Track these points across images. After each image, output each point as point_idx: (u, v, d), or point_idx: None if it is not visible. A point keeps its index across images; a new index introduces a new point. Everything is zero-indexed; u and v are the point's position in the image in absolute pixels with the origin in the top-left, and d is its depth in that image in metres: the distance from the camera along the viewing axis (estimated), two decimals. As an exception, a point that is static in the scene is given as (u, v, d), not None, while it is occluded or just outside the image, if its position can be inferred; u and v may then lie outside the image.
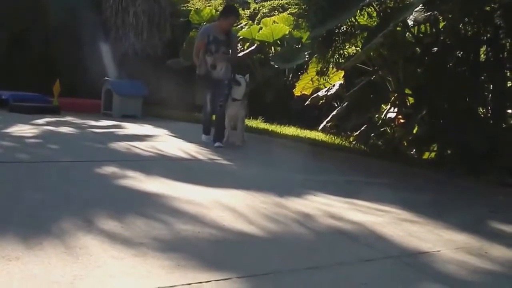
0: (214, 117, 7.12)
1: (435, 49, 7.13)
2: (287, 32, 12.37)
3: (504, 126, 6.74)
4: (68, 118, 9.52)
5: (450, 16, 6.70)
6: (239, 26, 12.94)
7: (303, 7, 7.88)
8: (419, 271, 2.78)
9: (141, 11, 12.76)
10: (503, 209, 4.67)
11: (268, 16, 14.02)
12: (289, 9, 14.06)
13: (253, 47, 12.41)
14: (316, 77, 9.04)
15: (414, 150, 7.61)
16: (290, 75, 12.35)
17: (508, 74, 6.97)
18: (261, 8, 16.06)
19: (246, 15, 15.26)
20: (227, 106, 6.99)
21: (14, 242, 2.59)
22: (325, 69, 8.30)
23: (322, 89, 9.47)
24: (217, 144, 6.78)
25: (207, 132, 7.19)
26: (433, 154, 7.39)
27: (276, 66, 11.66)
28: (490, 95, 6.88)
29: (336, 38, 7.53)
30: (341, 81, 9.23)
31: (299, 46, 12.16)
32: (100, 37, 12.58)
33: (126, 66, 12.40)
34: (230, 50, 7.01)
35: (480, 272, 2.86)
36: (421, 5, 6.39)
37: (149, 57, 13.04)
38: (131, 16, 12.70)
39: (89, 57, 11.56)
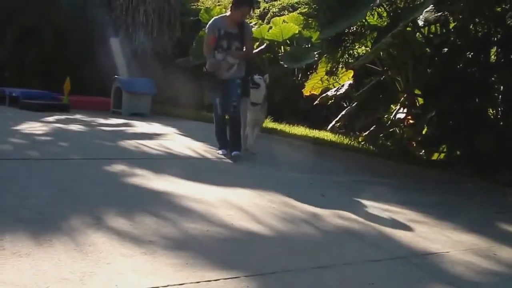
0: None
1: (445, 49, 7.10)
2: (296, 32, 12.35)
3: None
4: (78, 116, 9.56)
5: (460, 16, 6.67)
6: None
7: (313, 6, 7.88)
8: (427, 272, 2.78)
9: (152, 10, 12.77)
10: (511, 210, 4.65)
11: (278, 16, 14.01)
12: (299, 9, 14.03)
13: (262, 47, 12.40)
14: (326, 77, 9.04)
15: (423, 150, 7.59)
16: (300, 75, 12.34)
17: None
18: (271, 7, 16.05)
19: (256, 15, 15.25)
20: (246, 111, 6.19)
21: (24, 239, 2.62)
22: (334, 69, 8.31)
23: (331, 89, 9.46)
24: (235, 153, 5.88)
25: (224, 145, 6.10)
26: (442, 155, 7.37)
27: (285, 66, 11.64)
28: (500, 96, 6.85)
29: (346, 38, 7.53)
30: (350, 81, 9.22)
31: (309, 45, 12.13)
32: (110, 35, 12.62)
33: (136, 65, 12.43)
34: (244, 46, 5.92)
35: (489, 274, 2.85)
36: (431, 5, 6.37)
37: (159, 55, 13.06)
38: (141, 15, 12.71)
39: (99, 55, 11.59)
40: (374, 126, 8.45)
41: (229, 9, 5.90)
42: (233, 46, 5.81)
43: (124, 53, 12.51)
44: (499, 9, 6.59)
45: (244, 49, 5.95)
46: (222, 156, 5.96)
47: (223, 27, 5.80)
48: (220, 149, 6.11)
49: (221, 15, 6.42)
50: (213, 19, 6.17)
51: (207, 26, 6.07)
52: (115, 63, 11.95)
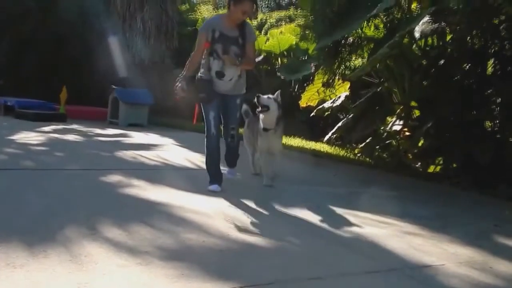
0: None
1: (442, 61, 7.12)
2: (293, 43, 12.44)
3: (511, 139, 6.70)
4: (74, 126, 9.56)
5: (457, 28, 6.69)
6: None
7: (310, 18, 7.89)
8: (422, 284, 2.77)
9: (148, 18, 12.80)
10: (508, 223, 4.64)
11: (275, 27, 14.09)
12: (296, 20, 14.12)
13: (259, 58, 12.45)
14: (322, 88, 9.05)
15: (419, 163, 7.58)
16: (296, 86, 12.37)
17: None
18: (268, 18, 16.14)
19: (254, 26, 15.32)
20: (257, 138, 5.28)
21: (19, 249, 2.60)
22: (331, 81, 8.32)
23: (327, 100, 9.47)
24: (226, 171, 5.22)
25: (217, 179, 4.80)
26: (438, 167, 7.36)
27: (282, 77, 11.69)
28: (497, 108, 6.86)
29: (343, 50, 7.55)
30: (347, 93, 9.23)
31: (305, 57, 12.21)
32: (107, 44, 12.63)
33: (134, 74, 12.45)
34: (245, 52, 4.70)
35: (484, 287, 2.84)
36: (428, 16, 6.40)
37: (156, 65, 13.09)
38: (139, 22, 12.74)
39: (96, 64, 11.62)
40: (370, 138, 8.46)
41: (228, 8, 4.67)
42: (230, 51, 4.64)
43: (122, 63, 12.54)
44: (496, 21, 6.61)
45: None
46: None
47: (219, 28, 4.63)
48: (210, 183, 4.75)
49: (218, 14, 5.60)
50: (208, 19, 5.21)
51: (200, 27, 4.92)
52: (113, 74, 11.97)
